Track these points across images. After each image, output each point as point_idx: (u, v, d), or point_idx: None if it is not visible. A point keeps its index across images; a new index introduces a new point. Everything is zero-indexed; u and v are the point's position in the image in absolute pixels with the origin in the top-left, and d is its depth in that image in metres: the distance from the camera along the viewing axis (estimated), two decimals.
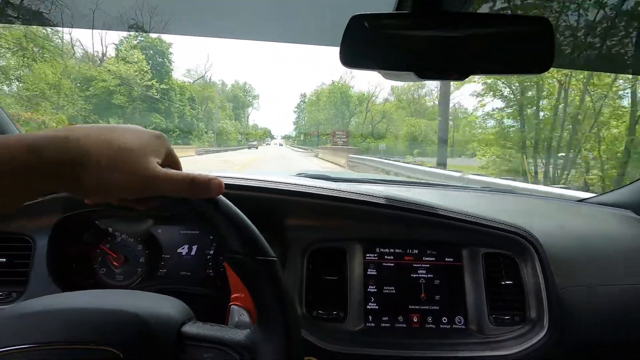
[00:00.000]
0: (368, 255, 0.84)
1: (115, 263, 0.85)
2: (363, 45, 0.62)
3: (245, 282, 0.47)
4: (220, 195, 0.48)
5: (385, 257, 0.84)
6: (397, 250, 0.84)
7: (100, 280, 0.84)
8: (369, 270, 0.83)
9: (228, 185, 0.80)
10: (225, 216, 0.47)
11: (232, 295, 0.53)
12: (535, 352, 0.75)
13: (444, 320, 0.80)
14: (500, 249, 0.84)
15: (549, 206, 1.23)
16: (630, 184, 1.23)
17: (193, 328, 0.45)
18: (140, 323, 0.42)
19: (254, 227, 0.48)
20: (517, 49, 0.59)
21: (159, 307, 0.46)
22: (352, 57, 0.62)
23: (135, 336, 0.42)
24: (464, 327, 0.80)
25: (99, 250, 0.85)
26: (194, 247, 0.87)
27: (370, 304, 0.81)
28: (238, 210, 0.48)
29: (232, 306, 0.52)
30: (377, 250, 0.84)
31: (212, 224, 0.47)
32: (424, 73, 0.62)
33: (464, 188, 1.40)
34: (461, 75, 0.62)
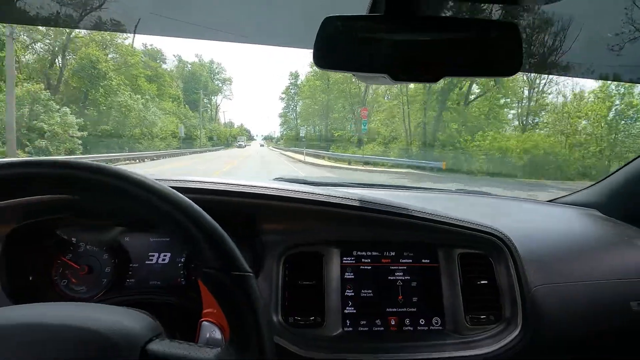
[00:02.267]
0: (345, 258, 0.83)
1: (73, 279, 0.79)
2: (337, 47, 0.61)
3: (218, 298, 0.45)
4: (194, 205, 0.46)
5: (363, 260, 0.83)
6: (374, 253, 0.84)
7: (61, 292, 0.79)
8: (346, 274, 0.82)
9: (199, 190, 0.78)
10: (199, 228, 0.45)
11: (204, 311, 0.50)
12: (511, 350, 0.76)
13: (422, 322, 0.81)
14: (475, 249, 0.85)
15: (520, 207, 1.27)
16: (595, 184, 1.29)
17: (159, 346, 0.42)
18: (99, 340, 0.39)
19: (229, 239, 0.46)
20: (486, 53, 0.60)
21: (123, 322, 0.43)
22: (326, 58, 0.61)
23: (94, 354, 0.39)
24: (441, 328, 0.80)
25: (59, 261, 0.80)
26: (166, 255, 0.83)
27: (347, 308, 0.80)
28: (213, 222, 0.46)
29: (203, 322, 0.49)
30: (354, 253, 0.83)
31: (185, 235, 0.45)
32: (398, 76, 0.62)
33: (439, 191, 1.43)
34: (434, 78, 0.63)
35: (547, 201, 1.37)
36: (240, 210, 0.79)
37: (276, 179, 1.25)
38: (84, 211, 0.78)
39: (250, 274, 0.44)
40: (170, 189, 0.45)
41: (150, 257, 0.83)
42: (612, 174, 1.23)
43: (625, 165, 1.20)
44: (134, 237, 0.83)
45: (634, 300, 0.87)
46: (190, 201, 0.45)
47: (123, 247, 0.82)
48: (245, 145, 41.12)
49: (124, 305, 0.49)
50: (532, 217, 1.15)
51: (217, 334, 0.48)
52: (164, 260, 0.83)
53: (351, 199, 0.83)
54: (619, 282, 0.89)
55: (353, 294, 0.81)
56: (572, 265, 0.90)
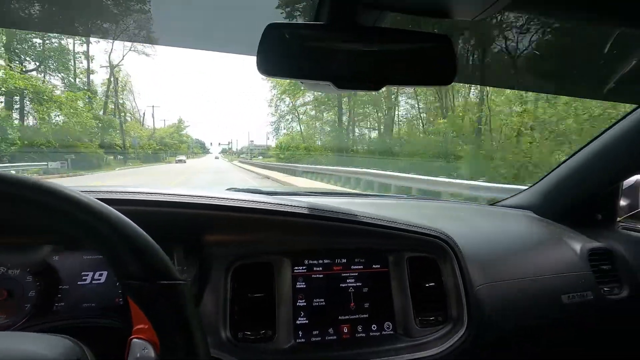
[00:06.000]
0: (296, 268, 0.82)
1: None
2: (280, 54, 0.61)
3: (145, 311, 0.42)
4: (115, 211, 0.43)
5: (314, 268, 0.83)
6: (325, 261, 0.84)
7: None
8: (298, 283, 0.81)
9: (137, 202, 0.73)
10: (119, 235, 0.41)
11: (135, 327, 0.46)
12: (458, 348, 0.79)
13: (374, 327, 0.81)
14: (422, 252, 0.88)
15: (462, 210, 1.34)
16: (528, 188, 1.39)
17: None
18: None
19: (154, 244, 0.43)
20: (423, 63, 0.63)
21: (32, 349, 0.38)
22: (269, 65, 0.61)
23: None
24: (392, 332, 0.81)
25: None
26: (101, 274, 0.76)
27: (299, 319, 0.78)
28: (137, 228, 0.43)
29: (133, 340, 0.46)
30: (306, 262, 0.82)
31: (104, 244, 0.41)
32: (341, 83, 0.63)
33: (386, 196, 1.47)
34: (375, 87, 0.64)
35: (488, 204, 1.46)
36: (182, 222, 0.75)
37: (229, 189, 1.22)
38: (4, 229, 0.69)
39: (181, 282, 0.41)
40: (85, 195, 0.41)
41: (84, 277, 0.76)
42: (544, 177, 1.35)
43: (555, 168, 1.31)
44: (64, 256, 0.76)
45: (564, 293, 0.94)
46: (108, 206, 0.42)
47: (51, 267, 0.74)
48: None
49: (50, 332, 0.44)
50: (474, 219, 1.22)
51: (150, 352, 0.44)
52: (99, 279, 0.76)
53: (300, 207, 0.82)
54: (550, 277, 0.96)
55: (305, 304, 0.80)
56: (510, 264, 0.96)
